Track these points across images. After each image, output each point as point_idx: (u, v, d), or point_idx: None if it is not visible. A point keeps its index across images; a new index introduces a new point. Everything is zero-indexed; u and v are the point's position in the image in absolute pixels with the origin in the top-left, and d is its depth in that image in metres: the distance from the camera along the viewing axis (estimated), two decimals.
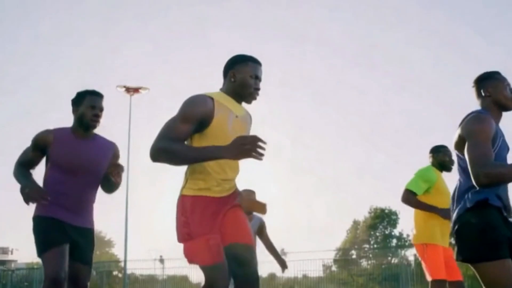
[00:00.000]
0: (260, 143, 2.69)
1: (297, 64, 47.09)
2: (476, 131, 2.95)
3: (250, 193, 5.87)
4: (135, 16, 47.06)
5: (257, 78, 3.03)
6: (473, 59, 40.57)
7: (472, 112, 3.08)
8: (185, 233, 2.90)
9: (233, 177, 3.06)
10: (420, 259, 4.90)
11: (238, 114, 3.01)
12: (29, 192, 3.54)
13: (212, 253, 2.85)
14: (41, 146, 3.69)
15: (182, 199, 2.96)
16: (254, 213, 6.00)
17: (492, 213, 2.97)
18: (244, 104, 3.10)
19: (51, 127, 3.75)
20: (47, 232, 3.60)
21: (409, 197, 4.76)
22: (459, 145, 3.06)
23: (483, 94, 3.14)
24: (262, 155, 2.70)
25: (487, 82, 3.15)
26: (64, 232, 3.60)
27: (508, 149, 3.10)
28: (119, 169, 3.67)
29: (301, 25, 45.86)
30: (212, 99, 2.90)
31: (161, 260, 20.09)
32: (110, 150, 3.83)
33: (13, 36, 49.58)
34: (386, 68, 46.08)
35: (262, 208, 3.20)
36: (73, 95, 3.77)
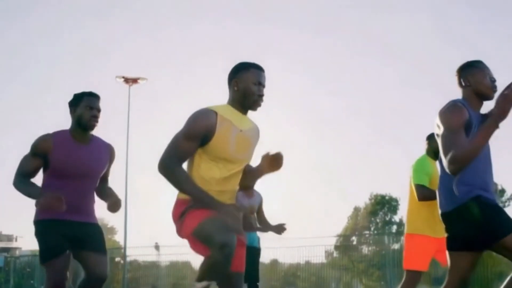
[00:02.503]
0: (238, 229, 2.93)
1: (299, 50, 47.03)
2: (447, 120, 3.05)
3: (251, 168, 5.91)
4: (133, 6, 47.06)
5: (260, 85, 3.02)
6: (476, 50, 40.45)
7: (450, 101, 3.15)
8: (180, 220, 2.93)
9: (233, 188, 3.09)
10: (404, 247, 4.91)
11: (243, 128, 3.01)
12: (46, 201, 3.50)
13: (203, 212, 2.83)
14: (41, 153, 3.67)
15: (179, 202, 2.99)
16: (255, 189, 6.06)
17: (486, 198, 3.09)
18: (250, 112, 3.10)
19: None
20: (48, 242, 3.65)
21: (425, 192, 4.62)
22: (437, 133, 3.15)
23: (463, 83, 3.20)
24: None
25: (467, 71, 3.20)
26: (65, 236, 3.64)
27: None
28: (115, 207, 3.78)
29: (302, 11, 45.72)
30: (215, 113, 2.92)
31: (157, 247, 20.23)
32: (107, 152, 3.88)
33: (12, 27, 49.56)
34: (388, 57, 46.02)
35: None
36: (71, 95, 3.79)
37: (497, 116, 2.90)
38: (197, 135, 2.90)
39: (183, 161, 2.95)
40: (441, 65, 43.47)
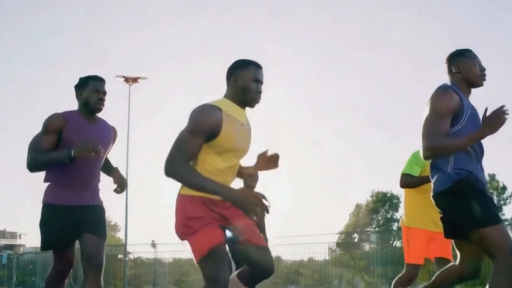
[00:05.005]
0: (266, 206, 2.89)
1: (303, 45, 47.01)
2: (436, 104, 3.15)
3: (253, 170, 5.98)
4: (134, 6, 47.02)
5: (259, 82, 3.09)
6: (483, 46, 40.42)
7: (440, 86, 3.25)
8: (185, 231, 3.01)
9: (231, 180, 3.18)
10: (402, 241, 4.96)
11: (243, 122, 3.11)
12: (80, 149, 3.56)
13: (206, 240, 2.94)
14: (55, 130, 3.71)
15: (182, 198, 3.05)
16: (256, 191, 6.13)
17: (477, 183, 3.17)
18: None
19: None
20: (51, 235, 3.76)
21: (407, 179, 4.74)
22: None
23: (453, 70, 3.30)
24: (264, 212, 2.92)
25: (457, 59, 3.32)
26: (69, 223, 3.71)
27: (479, 122, 3.21)
28: (122, 185, 3.92)
29: (302, 7, 45.68)
30: (220, 110, 2.99)
31: (153, 245, 20.38)
32: (111, 133, 4.00)
33: (13, 27, 49.63)
34: (392, 54, 45.98)
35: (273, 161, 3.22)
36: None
37: (486, 131, 3.04)
38: (204, 131, 2.94)
39: (192, 159, 2.98)
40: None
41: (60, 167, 3.70)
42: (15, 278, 22.64)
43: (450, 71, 3.33)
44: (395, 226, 31.66)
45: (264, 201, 2.90)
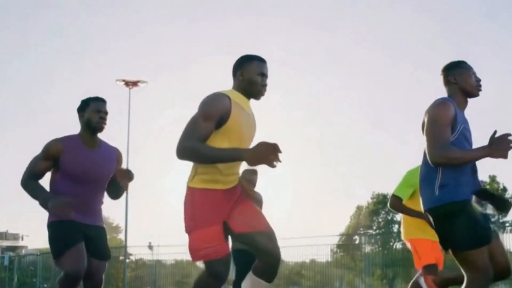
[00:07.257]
0: (279, 153, 2.88)
1: (303, 44, 47.04)
2: (436, 115, 3.19)
3: (252, 172, 5.99)
4: (134, 10, 47.18)
5: (264, 75, 3.21)
6: (482, 45, 40.42)
7: (438, 99, 3.30)
8: (192, 225, 3.08)
9: (238, 170, 3.23)
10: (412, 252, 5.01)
11: (249, 112, 3.22)
12: (56, 207, 3.64)
13: (217, 247, 3.05)
14: (52, 156, 3.81)
15: (191, 191, 3.12)
16: (255, 190, 6.14)
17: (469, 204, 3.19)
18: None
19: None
20: (63, 235, 3.78)
21: (395, 203, 4.93)
22: (423, 130, 3.27)
23: (450, 81, 3.36)
24: (276, 165, 2.90)
25: (453, 70, 3.38)
26: (79, 231, 3.78)
27: (470, 136, 3.30)
28: (129, 176, 3.89)
29: (300, 7, 45.74)
30: (228, 97, 3.07)
31: (150, 247, 20.44)
32: (114, 156, 4.03)
33: (12, 30, 49.76)
34: (391, 51, 46.02)
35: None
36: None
37: (494, 152, 3.11)
38: (215, 116, 3.00)
39: (203, 141, 3.00)
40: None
41: (63, 191, 3.79)
42: (16, 280, 22.70)
43: (446, 82, 3.39)
44: (395, 228, 31.68)
45: (278, 152, 2.89)
